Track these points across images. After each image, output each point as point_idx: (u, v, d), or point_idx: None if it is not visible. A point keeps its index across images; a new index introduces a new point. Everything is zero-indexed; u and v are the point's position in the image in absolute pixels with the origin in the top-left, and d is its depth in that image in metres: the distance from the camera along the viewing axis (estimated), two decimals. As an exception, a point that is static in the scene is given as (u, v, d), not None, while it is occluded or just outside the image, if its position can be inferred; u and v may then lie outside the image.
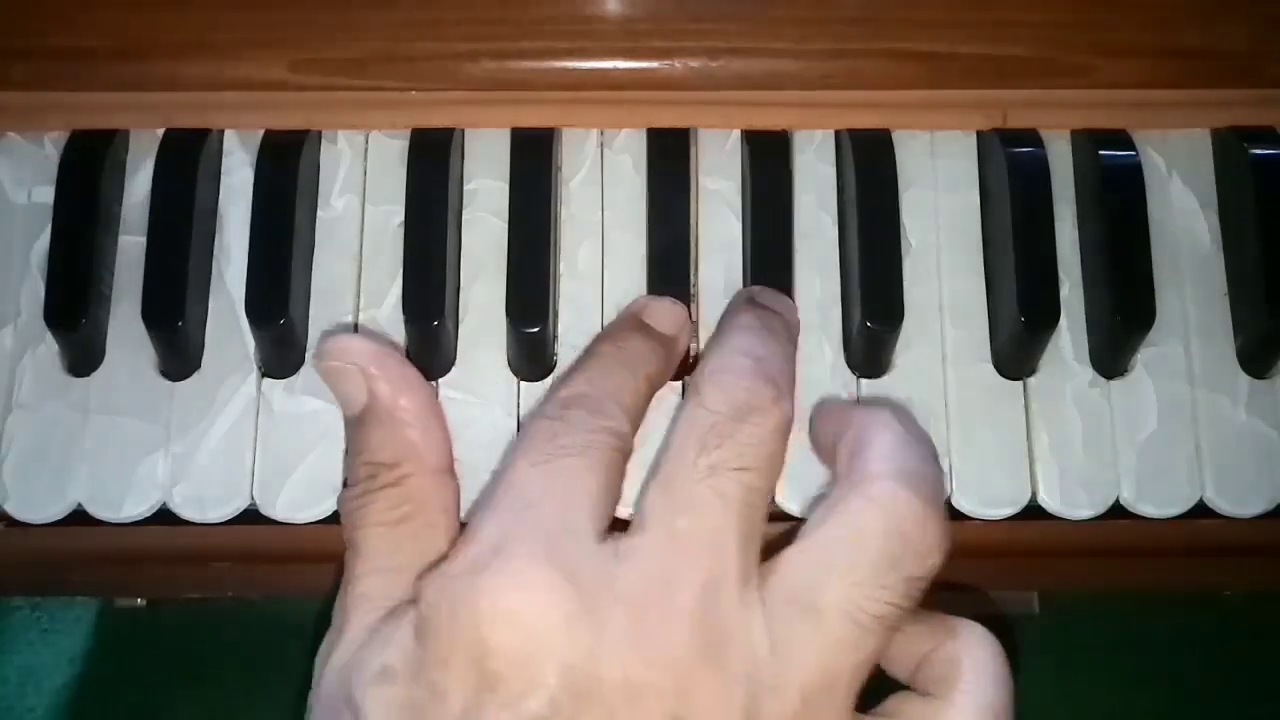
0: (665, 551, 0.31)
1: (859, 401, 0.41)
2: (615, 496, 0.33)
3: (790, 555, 0.32)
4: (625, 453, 0.34)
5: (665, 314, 0.39)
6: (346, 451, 0.35)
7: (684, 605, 0.30)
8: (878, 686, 0.33)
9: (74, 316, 0.40)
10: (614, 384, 0.35)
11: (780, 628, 0.30)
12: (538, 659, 0.29)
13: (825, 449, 0.37)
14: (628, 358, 0.37)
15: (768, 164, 0.42)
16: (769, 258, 0.41)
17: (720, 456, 0.32)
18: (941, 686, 0.33)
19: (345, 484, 0.35)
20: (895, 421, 0.34)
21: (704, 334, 0.41)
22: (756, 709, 0.30)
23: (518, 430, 0.40)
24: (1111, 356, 0.41)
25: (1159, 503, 0.40)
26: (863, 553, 0.31)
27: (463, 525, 0.36)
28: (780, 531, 0.34)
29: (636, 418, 0.36)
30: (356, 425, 0.36)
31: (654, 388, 0.37)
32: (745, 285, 0.41)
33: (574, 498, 0.32)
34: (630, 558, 0.31)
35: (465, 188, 0.43)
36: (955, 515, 0.40)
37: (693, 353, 0.40)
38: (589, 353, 0.38)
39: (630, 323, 0.39)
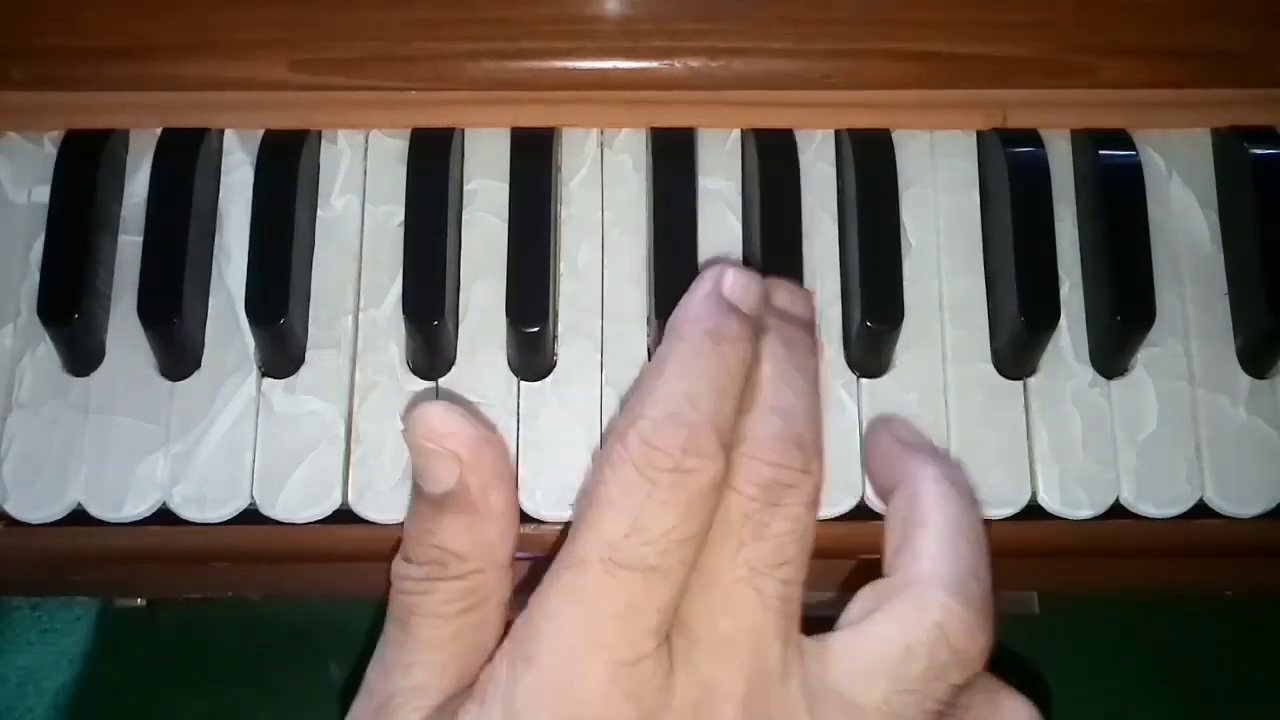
0: (712, 660, 0.31)
1: (861, 403, 0.41)
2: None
3: (838, 649, 0.32)
4: (714, 510, 0.31)
5: (746, 286, 0.34)
6: (411, 524, 0.33)
7: (732, 713, 0.30)
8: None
9: (66, 312, 0.40)
10: (715, 401, 0.31)
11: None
12: None
13: (876, 486, 0.38)
14: (726, 358, 0.32)
15: (777, 163, 0.42)
16: (780, 258, 0.41)
17: (758, 554, 0.31)
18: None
19: (404, 556, 0.32)
20: (951, 496, 0.33)
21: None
22: None
23: (518, 430, 0.40)
24: (1111, 356, 0.41)
25: (1159, 503, 0.40)
26: (910, 664, 0.31)
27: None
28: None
29: (730, 440, 0.32)
30: (433, 505, 0.32)
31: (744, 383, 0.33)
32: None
33: (644, 618, 0.30)
34: (681, 668, 0.31)
35: (465, 188, 0.43)
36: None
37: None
38: (677, 343, 0.32)
39: (722, 306, 0.33)
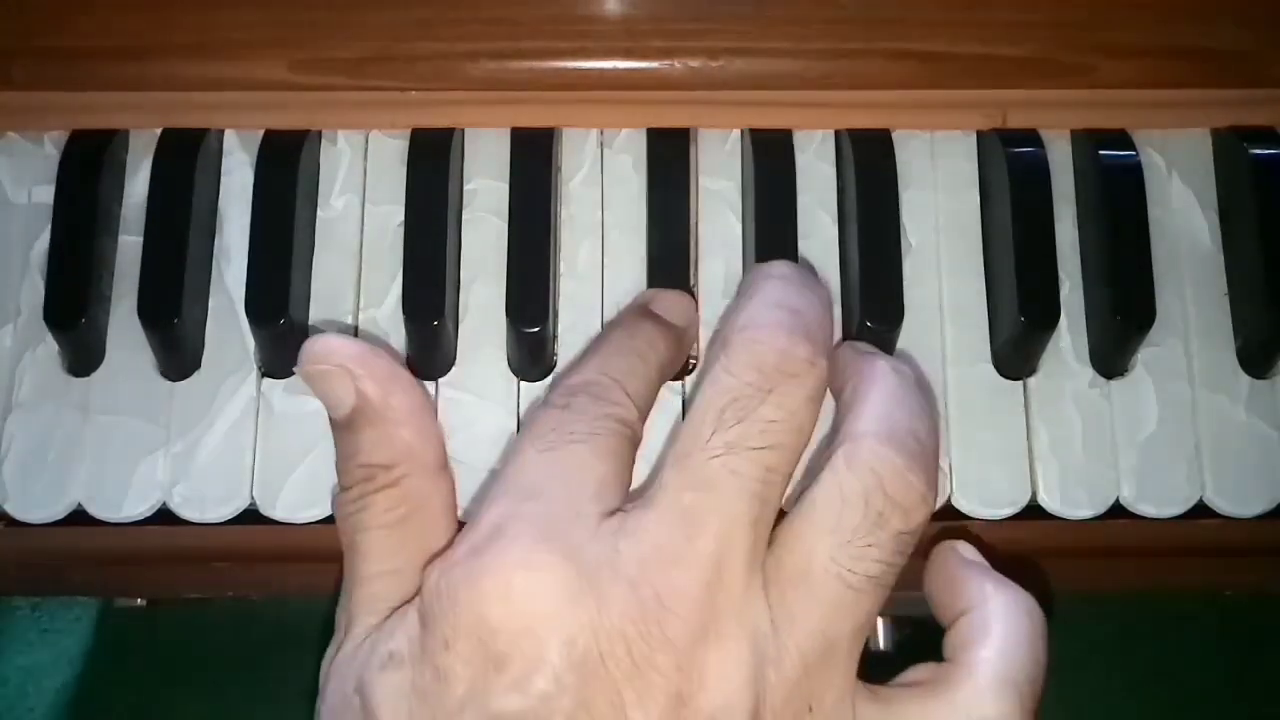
0: (671, 529, 0.30)
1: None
2: (624, 483, 0.33)
3: (785, 523, 0.32)
4: (634, 440, 0.34)
5: (673, 305, 0.39)
6: (338, 457, 0.34)
7: (686, 585, 0.30)
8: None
9: (73, 316, 0.40)
10: (623, 370, 0.35)
11: (778, 598, 0.30)
12: (541, 637, 0.29)
13: (835, 398, 0.36)
14: (637, 344, 0.36)
15: (771, 163, 0.42)
16: (774, 256, 0.41)
17: (739, 434, 0.31)
18: (964, 652, 0.32)
19: (339, 487, 0.34)
20: (891, 374, 0.34)
21: (704, 334, 0.41)
22: (760, 682, 0.30)
23: (518, 430, 0.40)
24: (1111, 356, 0.41)
25: (1159, 503, 0.40)
26: (847, 514, 0.31)
27: (463, 524, 0.36)
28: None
29: (646, 405, 0.35)
30: (346, 428, 0.34)
31: (664, 376, 0.37)
32: (745, 285, 0.41)
33: (578, 483, 0.32)
34: (634, 534, 0.30)
35: (465, 188, 0.43)
36: (955, 515, 0.40)
37: (696, 353, 0.40)
38: (598, 339, 0.37)
39: (639, 311, 0.38)
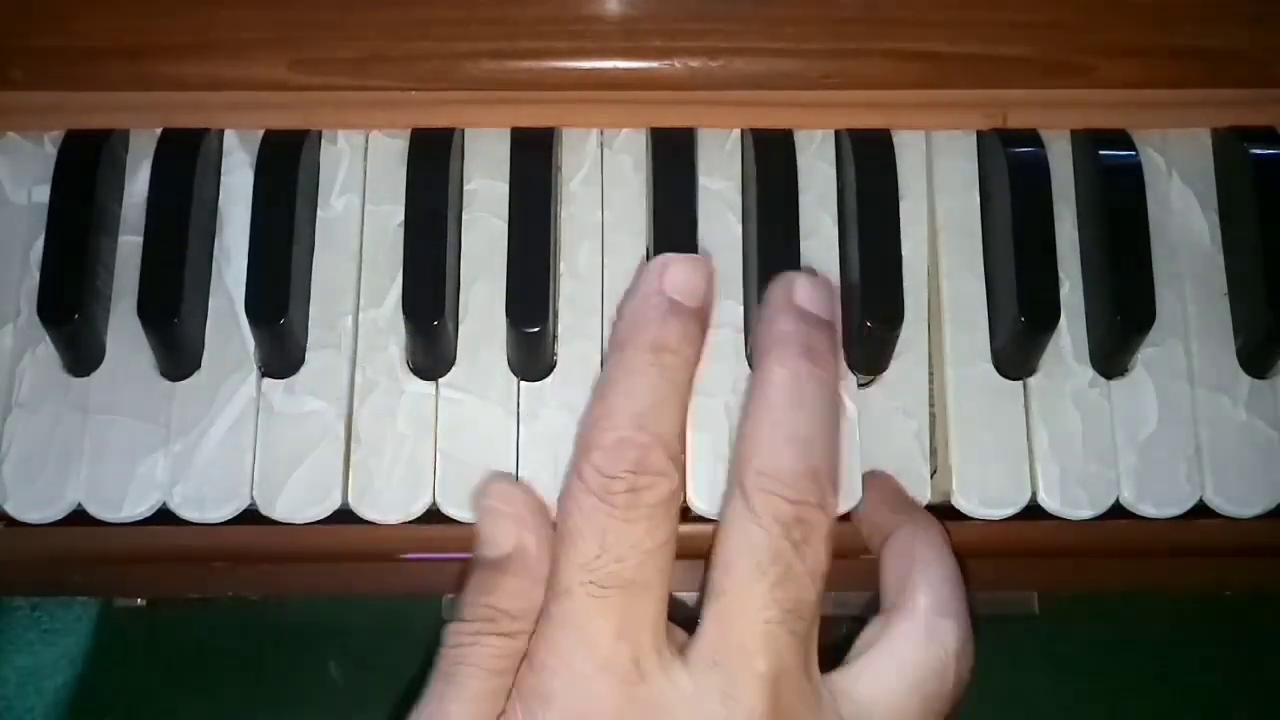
0: (745, 690, 0.32)
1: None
2: (670, 582, 0.34)
3: (863, 676, 0.34)
4: (678, 506, 0.34)
5: (688, 278, 0.36)
6: (468, 588, 0.35)
7: None
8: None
9: (66, 312, 0.40)
10: (660, 414, 0.34)
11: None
12: None
13: (871, 539, 0.39)
14: (671, 368, 0.35)
15: (772, 163, 0.42)
16: (776, 257, 0.41)
17: (788, 594, 0.32)
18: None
19: (458, 618, 0.34)
20: (938, 542, 0.37)
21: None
22: None
23: (518, 430, 0.40)
24: (1111, 356, 0.41)
25: (1159, 503, 0.40)
26: (929, 680, 0.34)
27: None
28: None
29: (683, 434, 0.35)
30: (492, 568, 0.35)
31: (693, 380, 0.36)
32: (745, 285, 0.41)
33: (639, 631, 0.32)
34: (715, 699, 0.32)
35: (465, 188, 0.43)
36: (955, 515, 0.40)
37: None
38: (621, 359, 0.35)
39: (658, 308, 0.35)
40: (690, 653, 0.33)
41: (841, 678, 0.34)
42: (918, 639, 0.34)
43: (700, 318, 0.36)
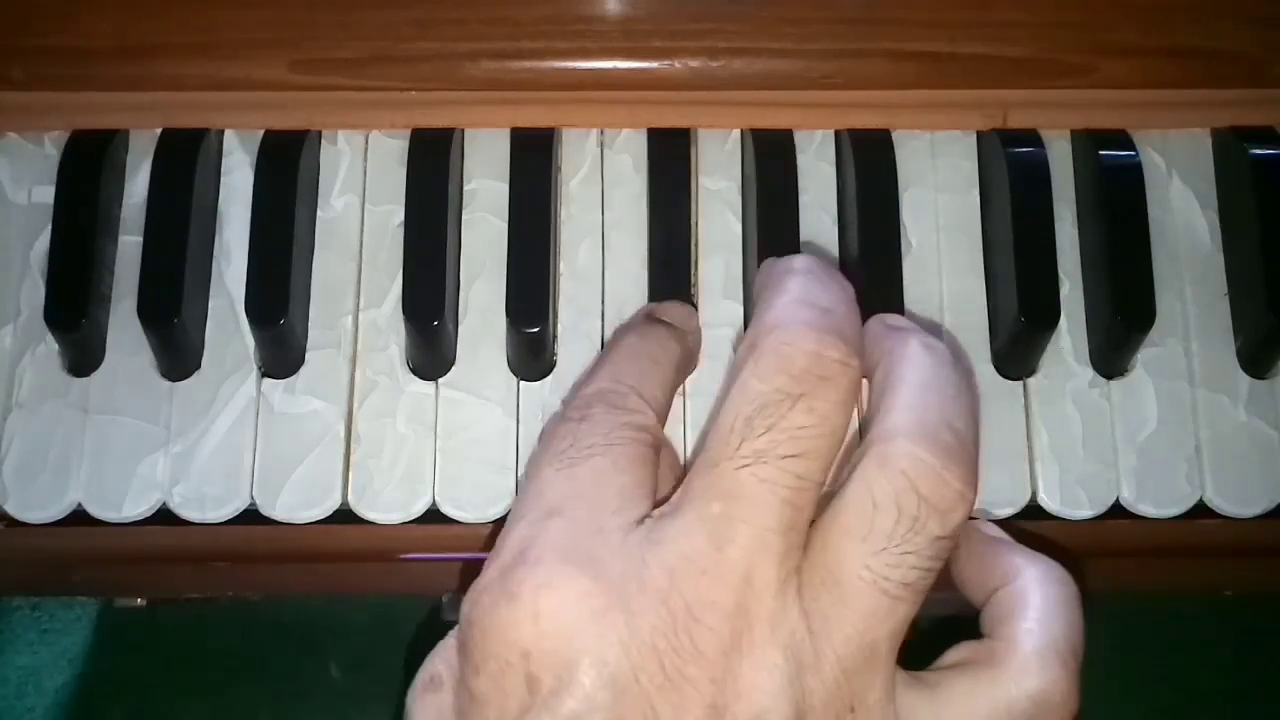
0: (699, 539, 0.30)
1: (861, 403, 0.41)
2: (648, 491, 0.32)
3: (817, 528, 0.30)
4: (654, 446, 0.33)
5: (678, 312, 0.39)
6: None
7: (716, 595, 0.29)
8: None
9: (74, 317, 0.40)
10: (636, 375, 0.35)
11: (813, 604, 0.30)
12: (570, 657, 0.29)
13: (866, 379, 0.34)
14: (649, 347, 0.36)
15: (773, 163, 0.42)
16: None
17: (769, 441, 0.30)
18: (1003, 625, 0.31)
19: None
20: (924, 354, 0.32)
21: (706, 334, 0.40)
22: (799, 689, 0.29)
23: (517, 430, 0.40)
24: (1111, 356, 0.41)
25: (1159, 503, 0.40)
26: (881, 520, 0.29)
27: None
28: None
29: (664, 408, 0.35)
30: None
31: (680, 378, 0.37)
32: (746, 285, 0.41)
33: (599, 497, 0.31)
34: (661, 544, 0.30)
35: (465, 188, 0.43)
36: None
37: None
38: (609, 346, 0.37)
39: (647, 316, 0.38)
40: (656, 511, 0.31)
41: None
42: (866, 470, 0.30)
43: (687, 337, 0.38)
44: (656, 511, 0.31)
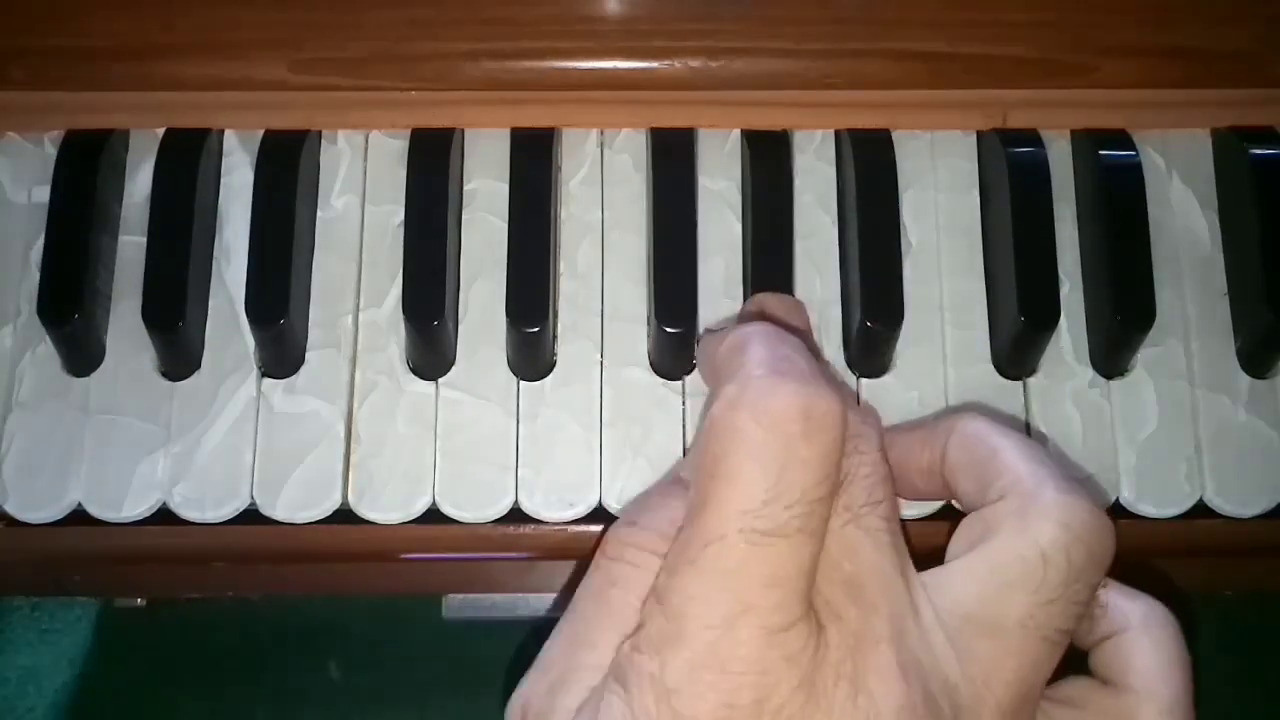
0: (849, 604, 0.30)
1: (861, 403, 0.41)
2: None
3: (959, 575, 0.31)
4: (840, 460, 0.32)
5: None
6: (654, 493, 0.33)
7: (887, 658, 0.30)
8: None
9: (66, 312, 0.40)
10: (807, 359, 0.32)
11: (965, 650, 0.30)
12: None
13: (911, 474, 0.35)
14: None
15: (767, 163, 0.42)
16: (769, 257, 0.41)
17: (851, 497, 0.31)
18: (1124, 676, 0.32)
19: (630, 520, 0.32)
20: (996, 425, 0.33)
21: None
22: None
23: (517, 430, 0.40)
24: (1111, 356, 0.41)
25: (1159, 503, 0.40)
26: (1052, 571, 0.30)
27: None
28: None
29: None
30: (678, 484, 0.33)
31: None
32: (745, 285, 0.41)
33: (790, 580, 0.29)
34: (827, 623, 0.30)
35: (465, 188, 0.43)
36: (956, 516, 0.40)
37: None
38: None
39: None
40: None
41: (937, 581, 0.31)
42: (1029, 525, 0.31)
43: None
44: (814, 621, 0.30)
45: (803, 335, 0.37)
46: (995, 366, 0.41)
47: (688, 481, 0.32)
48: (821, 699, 0.29)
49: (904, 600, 0.30)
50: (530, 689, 0.31)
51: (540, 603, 0.43)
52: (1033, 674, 0.31)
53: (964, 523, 0.32)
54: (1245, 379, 0.41)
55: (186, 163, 0.42)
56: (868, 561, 0.30)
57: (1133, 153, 0.42)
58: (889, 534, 0.31)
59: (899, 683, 0.29)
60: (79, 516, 0.40)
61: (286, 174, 0.42)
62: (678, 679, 0.28)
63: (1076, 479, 0.32)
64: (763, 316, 0.38)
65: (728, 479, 0.29)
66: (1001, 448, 0.33)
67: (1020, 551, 0.31)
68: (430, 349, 0.41)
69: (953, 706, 0.30)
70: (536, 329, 0.40)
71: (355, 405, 0.41)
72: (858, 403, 0.40)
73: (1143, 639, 0.33)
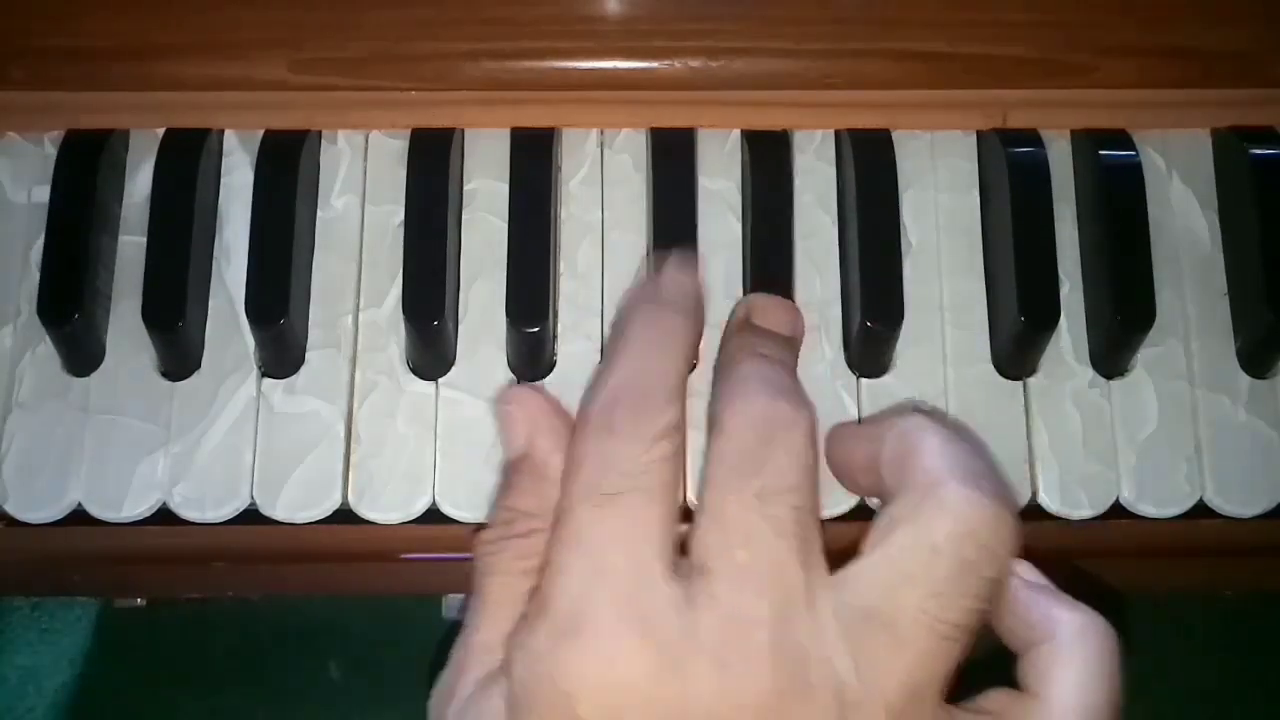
0: (736, 592, 0.30)
1: (861, 403, 0.41)
2: (678, 502, 0.32)
3: (862, 569, 0.31)
4: (681, 449, 0.33)
5: (677, 285, 0.37)
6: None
7: (761, 641, 0.30)
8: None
9: (66, 312, 0.40)
10: (654, 369, 0.34)
11: (859, 644, 0.30)
12: None
13: (854, 471, 0.36)
14: (661, 335, 0.35)
15: (768, 163, 0.42)
16: (769, 257, 0.41)
17: (765, 483, 0.31)
18: (1040, 684, 0.32)
19: (486, 524, 0.35)
20: (934, 424, 0.33)
21: (705, 335, 0.40)
22: None
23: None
24: (1111, 356, 0.41)
25: (1159, 503, 0.40)
26: (939, 562, 0.30)
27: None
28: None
29: (684, 394, 0.35)
30: (511, 470, 0.35)
31: (690, 364, 0.36)
32: (745, 285, 0.41)
33: (641, 540, 0.31)
34: (707, 605, 0.30)
35: (465, 188, 0.43)
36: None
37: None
38: (616, 339, 0.36)
39: (652, 299, 0.37)
40: (679, 566, 0.31)
41: (844, 575, 0.31)
42: (921, 516, 0.31)
43: (696, 313, 0.37)
44: (685, 563, 0.31)
45: (789, 345, 0.37)
46: (995, 366, 0.41)
47: (514, 465, 0.35)
48: (680, 667, 0.29)
49: (798, 590, 0.30)
50: (443, 677, 0.33)
51: (540, 603, 0.43)
52: (925, 672, 0.30)
53: (876, 518, 0.32)
54: (1245, 379, 0.41)
55: (186, 163, 0.42)
56: (764, 547, 0.30)
57: (1133, 153, 0.42)
58: (795, 523, 0.31)
59: (766, 667, 0.29)
60: (79, 516, 0.40)
61: (286, 174, 0.42)
62: (544, 645, 0.30)
63: (995, 479, 0.31)
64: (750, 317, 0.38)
65: (572, 462, 0.33)
66: (924, 443, 0.32)
67: (913, 543, 0.30)
68: (430, 349, 0.41)
69: (840, 702, 0.29)
70: (536, 329, 0.40)
71: (355, 405, 0.41)
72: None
73: (1070, 649, 0.32)
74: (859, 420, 0.41)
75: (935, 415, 0.35)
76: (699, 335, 0.38)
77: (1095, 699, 0.31)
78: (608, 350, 0.37)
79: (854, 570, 0.31)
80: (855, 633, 0.30)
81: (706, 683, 0.29)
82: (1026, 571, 0.34)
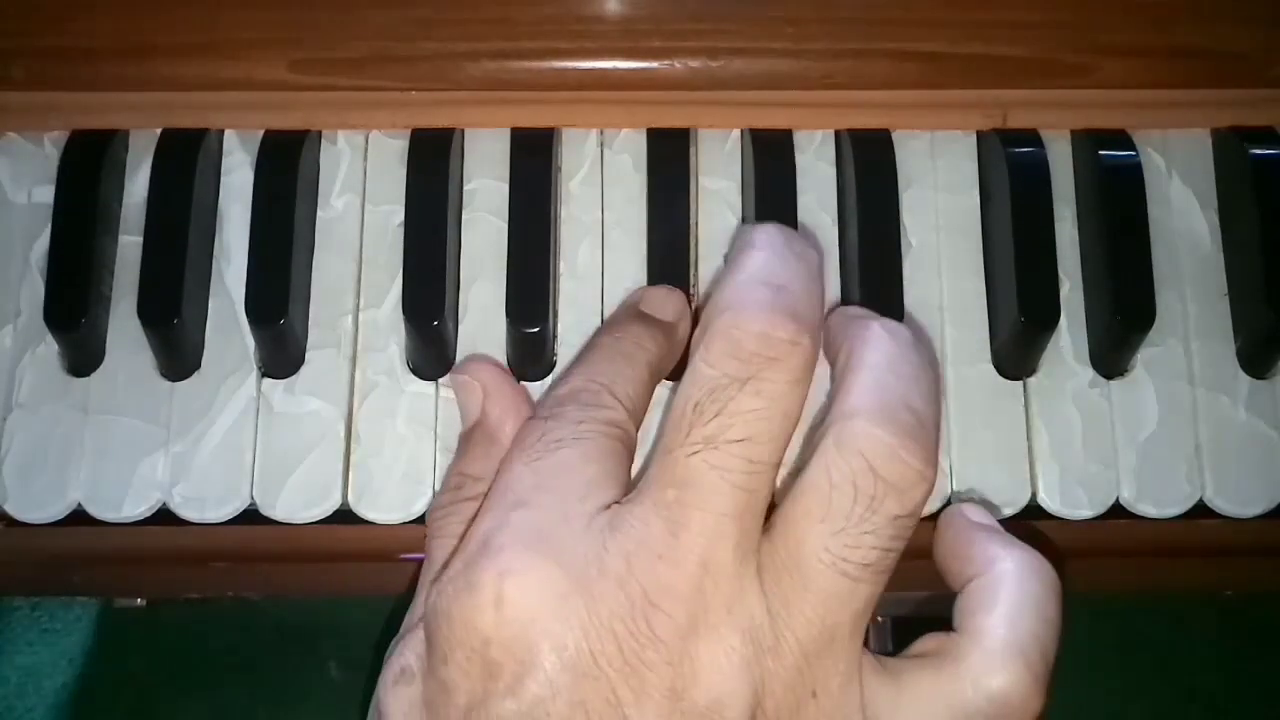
0: (655, 525, 0.30)
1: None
2: (619, 483, 0.32)
3: (778, 510, 0.30)
4: (626, 441, 0.34)
5: (662, 300, 0.39)
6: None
7: (673, 580, 0.29)
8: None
9: (74, 317, 0.40)
10: (609, 373, 0.35)
11: (773, 587, 0.30)
12: (532, 642, 0.29)
13: (830, 367, 0.34)
14: (625, 346, 0.36)
15: (768, 163, 0.42)
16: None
17: (717, 427, 0.30)
18: (968, 617, 0.31)
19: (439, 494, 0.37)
20: (885, 338, 0.32)
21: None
22: (759, 672, 0.29)
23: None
24: (1111, 356, 0.41)
25: (1159, 503, 0.40)
26: (838, 500, 0.29)
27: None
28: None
29: (638, 406, 0.35)
30: (464, 438, 0.37)
31: (657, 376, 0.37)
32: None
33: (565, 487, 0.32)
34: (620, 530, 0.30)
35: (465, 188, 0.43)
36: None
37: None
38: (587, 346, 0.37)
39: (627, 312, 0.39)
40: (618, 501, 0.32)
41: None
42: (825, 451, 0.30)
43: (669, 331, 0.38)
44: (620, 500, 0.32)
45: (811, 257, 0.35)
46: (995, 366, 0.41)
47: (467, 432, 0.37)
48: (586, 588, 0.29)
49: (724, 543, 0.30)
50: (392, 644, 0.33)
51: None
52: (833, 610, 0.29)
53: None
54: (1245, 379, 0.41)
55: (184, 162, 0.42)
56: (699, 492, 0.30)
57: (1133, 153, 0.42)
58: (744, 474, 0.30)
59: (667, 599, 0.29)
60: (79, 516, 0.40)
61: (286, 174, 0.42)
62: (453, 572, 0.31)
63: (924, 409, 0.30)
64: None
65: (515, 442, 0.34)
66: (856, 372, 0.31)
67: (812, 480, 0.30)
68: (430, 349, 0.41)
69: (756, 645, 0.29)
70: (536, 329, 0.40)
71: (355, 405, 0.41)
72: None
73: (1000, 583, 0.31)
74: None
75: (896, 324, 0.33)
76: (675, 354, 0.38)
77: (1022, 634, 0.30)
78: (575, 358, 0.38)
79: (777, 512, 0.31)
80: (771, 575, 0.30)
81: (611, 609, 0.29)
82: (973, 512, 0.33)
